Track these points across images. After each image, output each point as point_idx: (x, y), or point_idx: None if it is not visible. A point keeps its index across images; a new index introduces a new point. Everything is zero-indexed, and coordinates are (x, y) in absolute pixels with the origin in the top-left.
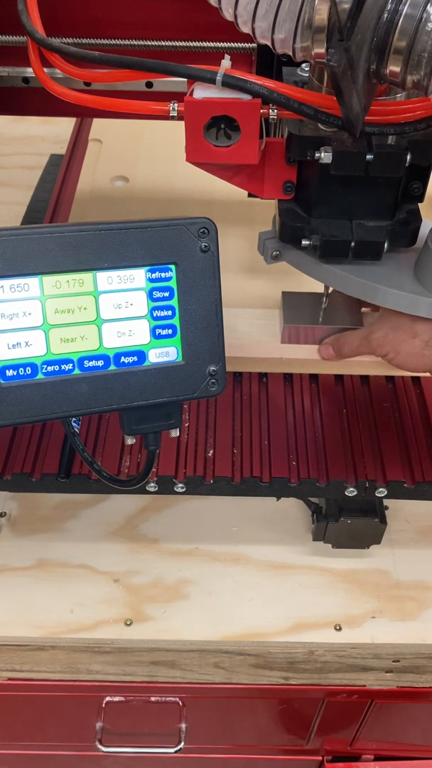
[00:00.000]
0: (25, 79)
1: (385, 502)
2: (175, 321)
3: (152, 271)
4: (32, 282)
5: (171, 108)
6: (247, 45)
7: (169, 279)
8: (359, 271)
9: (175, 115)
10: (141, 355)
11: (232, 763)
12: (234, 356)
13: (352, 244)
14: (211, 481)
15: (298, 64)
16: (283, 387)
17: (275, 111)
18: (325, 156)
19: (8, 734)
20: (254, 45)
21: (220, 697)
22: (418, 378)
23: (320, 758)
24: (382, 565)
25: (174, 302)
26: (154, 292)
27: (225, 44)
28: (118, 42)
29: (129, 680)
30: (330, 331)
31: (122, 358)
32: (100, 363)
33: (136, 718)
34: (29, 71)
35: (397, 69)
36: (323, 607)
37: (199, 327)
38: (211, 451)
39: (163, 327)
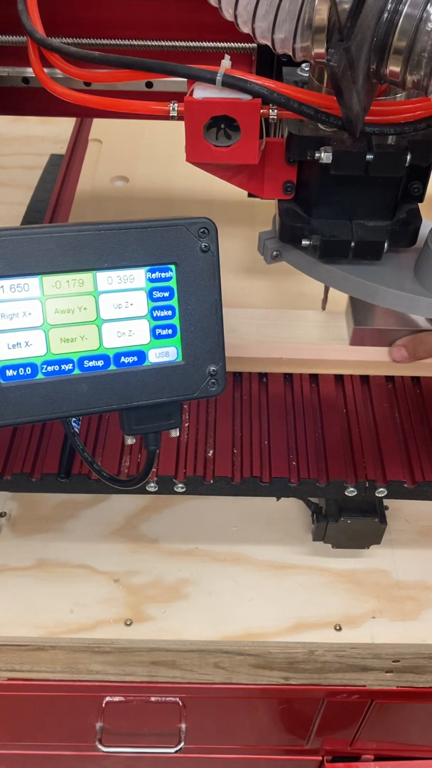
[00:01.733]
0: (25, 79)
1: (385, 502)
2: (175, 321)
3: (152, 271)
4: (32, 282)
5: (171, 108)
6: (247, 45)
7: (169, 279)
8: (359, 271)
9: (175, 115)
10: (141, 355)
11: (232, 763)
12: (234, 356)
13: (352, 244)
14: (211, 481)
15: (298, 64)
16: (283, 387)
17: (275, 111)
18: (325, 156)
19: (8, 734)
20: (254, 45)
21: (220, 697)
22: (418, 378)
23: (320, 758)
24: (382, 565)
25: (174, 302)
26: (154, 292)
27: (225, 44)
28: (118, 42)
29: (129, 680)
30: (402, 334)
31: (122, 358)
32: (100, 363)
33: (136, 718)
34: (29, 71)
35: (397, 69)
36: (323, 607)
37: (199, 327)
38: (211, 451)
39: (163, 327)
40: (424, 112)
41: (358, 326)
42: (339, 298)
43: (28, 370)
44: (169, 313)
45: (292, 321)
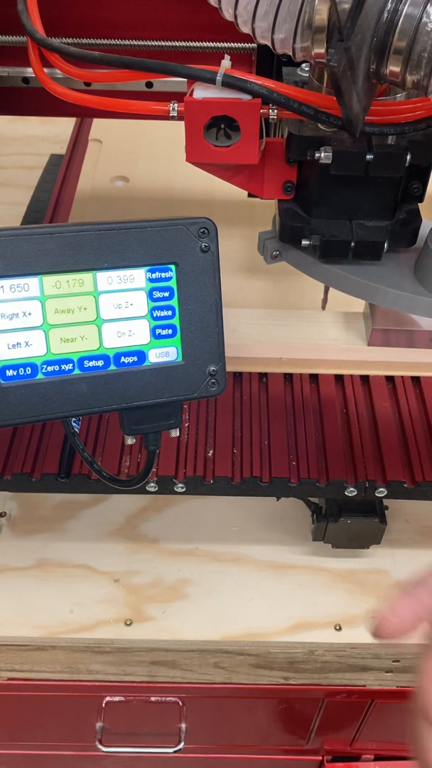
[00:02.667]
0: (25, 79)
1: (385, 502)
2: (175, 321)
3: (152, 271)
4: (32, 282)
5: (171, 108)
6: (247, 45)
7: (169, 279)
8: (359, 271)
9: (175, 115)
10: (141, 355)
11: (232, 763)
12: (234, 356)
13: (352, 244)
14: (211, 481)
15: (298, 64)
16: (283, 387)
17: (275, 111)
18: (325, 156)
19: (8, 734)
20: (254, 45)
21: (220, 697)
22: (418, 378)
23: (320, 758)
24: (382, 565)
25: (174, 302)
26: (154, 292)
27: (225, 44)
28: (118, 42)
29: (129, 680)
30: (423, 335)
31: (122, 358)
32: (100, 363)
33: (136, 718)
34: (29, 71)
35: (397, 69)
36: (323, 607)
37: (199, 327)
38: (211, 451)
39: (163, 327)
40: (424, 112)
41: (377, 327)
42: (339, 298)
43: (28, 370)
44: (169, 313)
45: (292, 321)
